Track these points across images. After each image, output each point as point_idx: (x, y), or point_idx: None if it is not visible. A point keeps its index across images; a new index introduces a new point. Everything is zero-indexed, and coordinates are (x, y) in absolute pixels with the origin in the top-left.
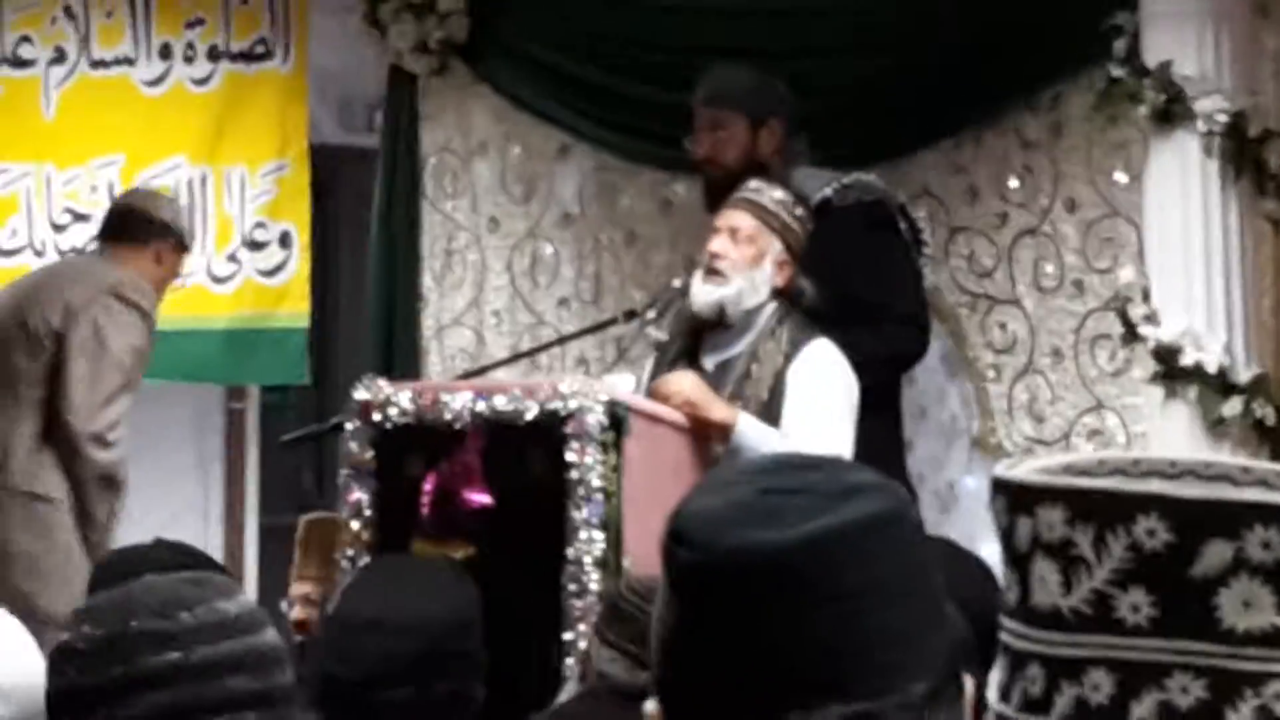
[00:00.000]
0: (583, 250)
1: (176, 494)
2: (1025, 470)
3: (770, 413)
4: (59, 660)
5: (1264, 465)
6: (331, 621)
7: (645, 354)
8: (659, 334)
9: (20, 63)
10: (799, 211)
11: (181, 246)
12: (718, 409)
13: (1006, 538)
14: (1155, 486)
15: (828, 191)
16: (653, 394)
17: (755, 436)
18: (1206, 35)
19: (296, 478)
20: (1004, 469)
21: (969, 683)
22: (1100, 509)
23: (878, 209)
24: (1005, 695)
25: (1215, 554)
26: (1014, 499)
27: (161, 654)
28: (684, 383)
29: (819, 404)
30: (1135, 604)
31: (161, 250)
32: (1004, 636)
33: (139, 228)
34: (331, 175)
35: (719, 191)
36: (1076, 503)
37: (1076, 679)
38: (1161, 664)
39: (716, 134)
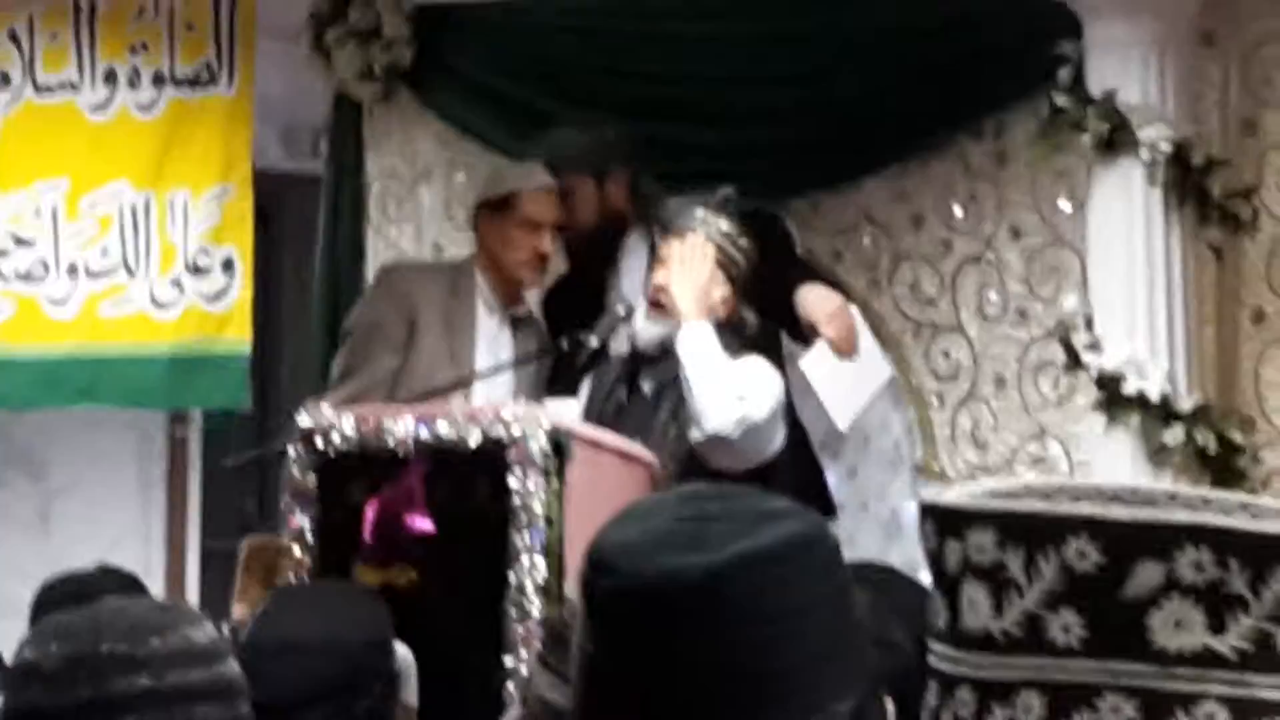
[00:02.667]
0: None
1: (118, 519)
2: (954, 494)
3: None
4: (21, 678)
5: (1190, 491)
6: (246, 646)
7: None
8: (592, 342)
9: None
10: (743, 243)
11: (501, 204)
12: (689, 308)
13: (935, 562)
14: (1086, 508)
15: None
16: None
17: (694, 345)
18: (1151, 64)
19: (239, 502)
20: (932, 494)
21: (889, 704)
22: (1031, 531)
23: (754, 218)
24: (936, 719)
25: (1146, 575)
26: (943, 523)
27: (131, 678)
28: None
29: (753, 375)
30: (1066, 625)
31: (482, 223)
32: (933, 660)
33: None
34: (275, 201)
35: (581, 252)
36: (1007, 525)
37: (1008, 701)
38: (1093, 685)
39: (566, 199)
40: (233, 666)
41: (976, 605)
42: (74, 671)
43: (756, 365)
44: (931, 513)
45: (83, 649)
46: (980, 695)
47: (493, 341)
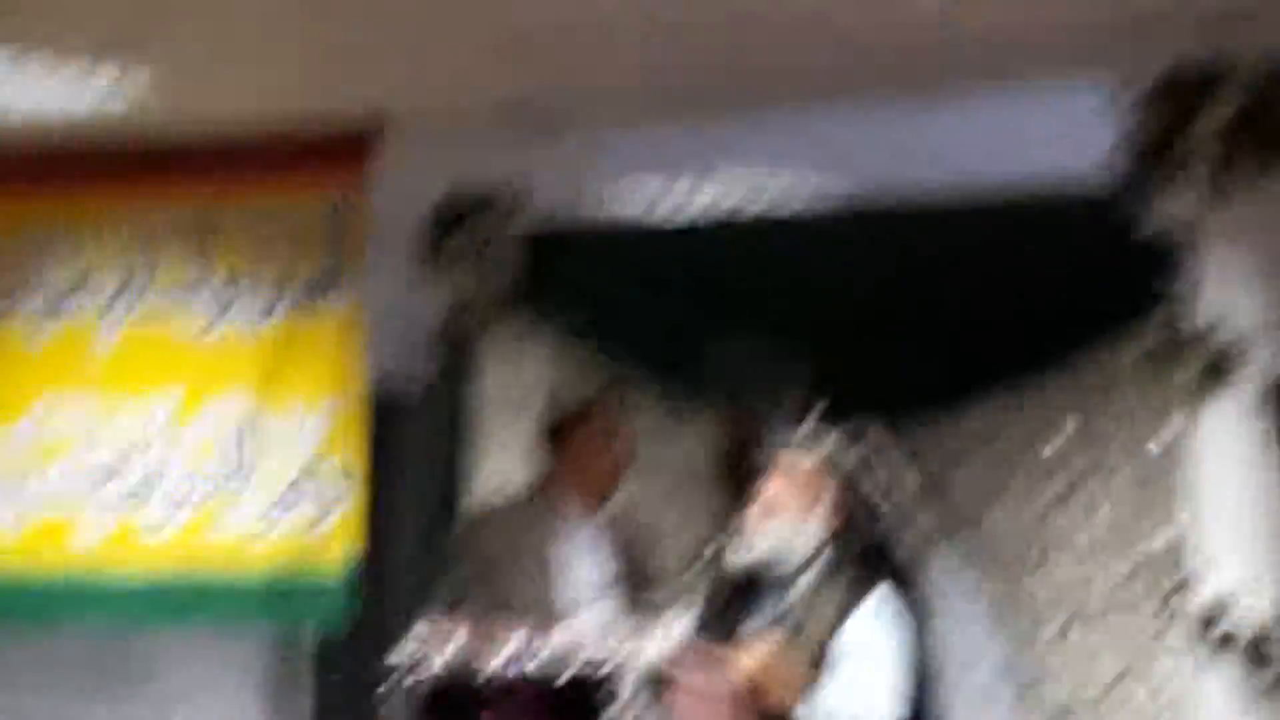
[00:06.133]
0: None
1: None
2: None
3: (823, 661)
4: None
5: None
6: None
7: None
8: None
9: (82, 296)
10: (851, 456)
11: (583, 416)
12: (776, 691)
13: None
14: None
15: None
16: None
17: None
18: (1258, 292)
19: (354, 710)
20: None
21: None
22: None
23: None
24: None
25: None
26: None
27: None
28: (750, 662)
29: (873, 670)
30: None
31: (566, 439)
32: None
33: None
34: (386, 412)
35: (733, 462)
36: None
37: None
38: None
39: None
40: None
41: None
42: None
43: (880, 674)
44: None
45: None
46: None
47: (587, 553)
